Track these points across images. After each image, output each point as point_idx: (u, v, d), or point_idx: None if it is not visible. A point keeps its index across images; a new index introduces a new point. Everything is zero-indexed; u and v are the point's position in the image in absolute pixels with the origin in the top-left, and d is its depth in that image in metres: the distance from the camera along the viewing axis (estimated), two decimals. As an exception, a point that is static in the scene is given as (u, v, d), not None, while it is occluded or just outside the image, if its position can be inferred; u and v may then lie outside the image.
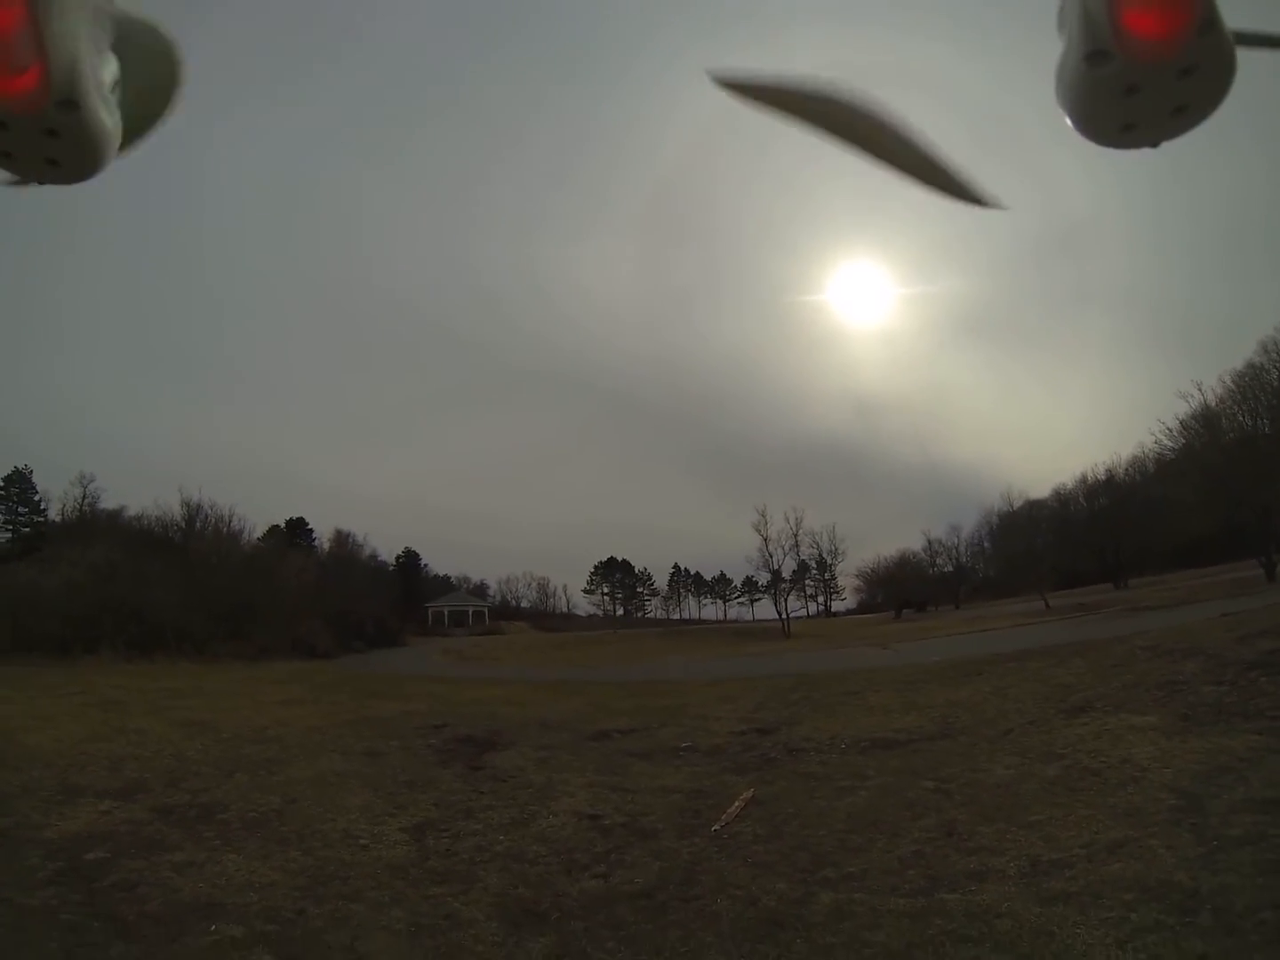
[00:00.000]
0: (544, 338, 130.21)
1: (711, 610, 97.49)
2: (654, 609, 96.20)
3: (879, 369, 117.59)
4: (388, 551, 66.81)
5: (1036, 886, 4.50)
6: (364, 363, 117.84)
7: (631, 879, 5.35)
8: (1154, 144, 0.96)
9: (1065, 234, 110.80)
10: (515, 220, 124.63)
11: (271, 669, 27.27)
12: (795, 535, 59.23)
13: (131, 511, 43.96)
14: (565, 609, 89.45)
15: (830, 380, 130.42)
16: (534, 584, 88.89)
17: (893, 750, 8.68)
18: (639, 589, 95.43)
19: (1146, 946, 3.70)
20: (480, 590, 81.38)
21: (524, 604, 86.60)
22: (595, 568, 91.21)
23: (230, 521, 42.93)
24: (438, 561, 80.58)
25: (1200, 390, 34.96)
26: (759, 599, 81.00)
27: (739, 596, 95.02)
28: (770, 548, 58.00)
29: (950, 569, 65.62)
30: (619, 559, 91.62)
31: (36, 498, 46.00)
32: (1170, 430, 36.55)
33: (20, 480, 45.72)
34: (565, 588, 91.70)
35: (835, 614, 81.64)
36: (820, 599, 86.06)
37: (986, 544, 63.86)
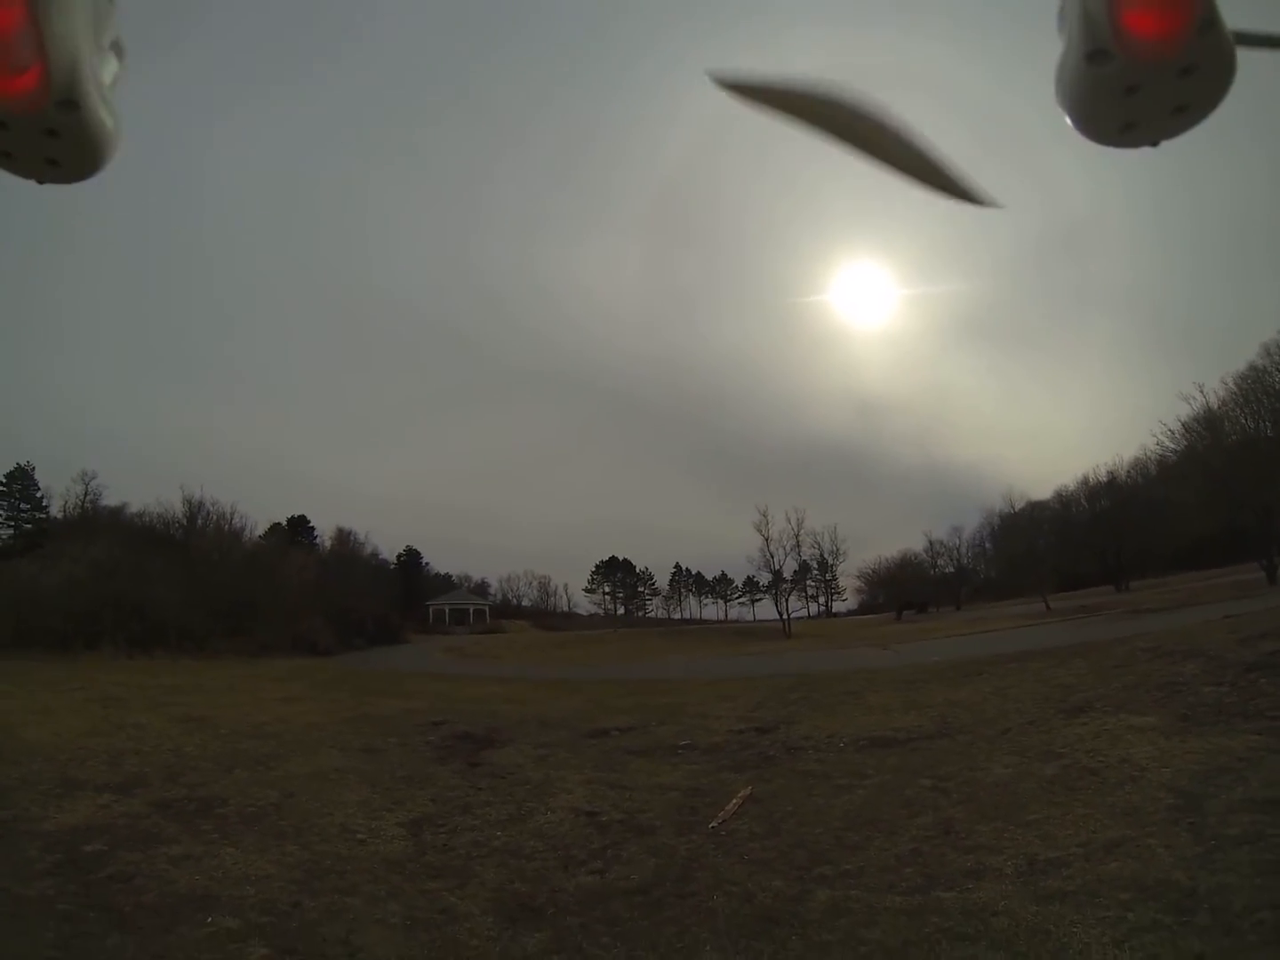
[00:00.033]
0: (546, 337, 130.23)
1: (712, 610, 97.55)
2: (655, 609, 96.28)
3: (881, 370, 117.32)
4: (389, 550, 67.01)
5: (1033, 885, 4.49)
6: (366, 361, 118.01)
7: (628, 875, 5.35)
8: (1154, 143, 0.96)
9: (1067, 235, 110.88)
10: (517, 220, 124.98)
11: (272, 666, 27.33)
12: (796, 535, 59.27)
13: (133, 509, 44.16)
14: (566, 608, 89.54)
15: (832, 381, 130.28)
16: (535, 583, 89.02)
17: (891, 749, 8.66)
18: (640, 588, 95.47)
19: (1143, 945, 3.68)
20: (481, 589, 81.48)
21: (525, 603, 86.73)
22: (596, 567, 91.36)
23: (232, 519, 43.18)
24: (439, 560, 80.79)
25: (1202, 392, 34.97)
26: (760, 599, 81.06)
27: (740, 597, 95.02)
28: (771, 548, 58.05)
29: (951, 570, 65.58)
30: (620, 558, 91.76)
31: (39, 494, 46.16)
32: (1172, 432, 36.58)
33: (22, 477, 45.84)
34: (566, 587, 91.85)
35: (836, 615, 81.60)
36: (821, 599, 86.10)
37: (988, 545, 63.91)
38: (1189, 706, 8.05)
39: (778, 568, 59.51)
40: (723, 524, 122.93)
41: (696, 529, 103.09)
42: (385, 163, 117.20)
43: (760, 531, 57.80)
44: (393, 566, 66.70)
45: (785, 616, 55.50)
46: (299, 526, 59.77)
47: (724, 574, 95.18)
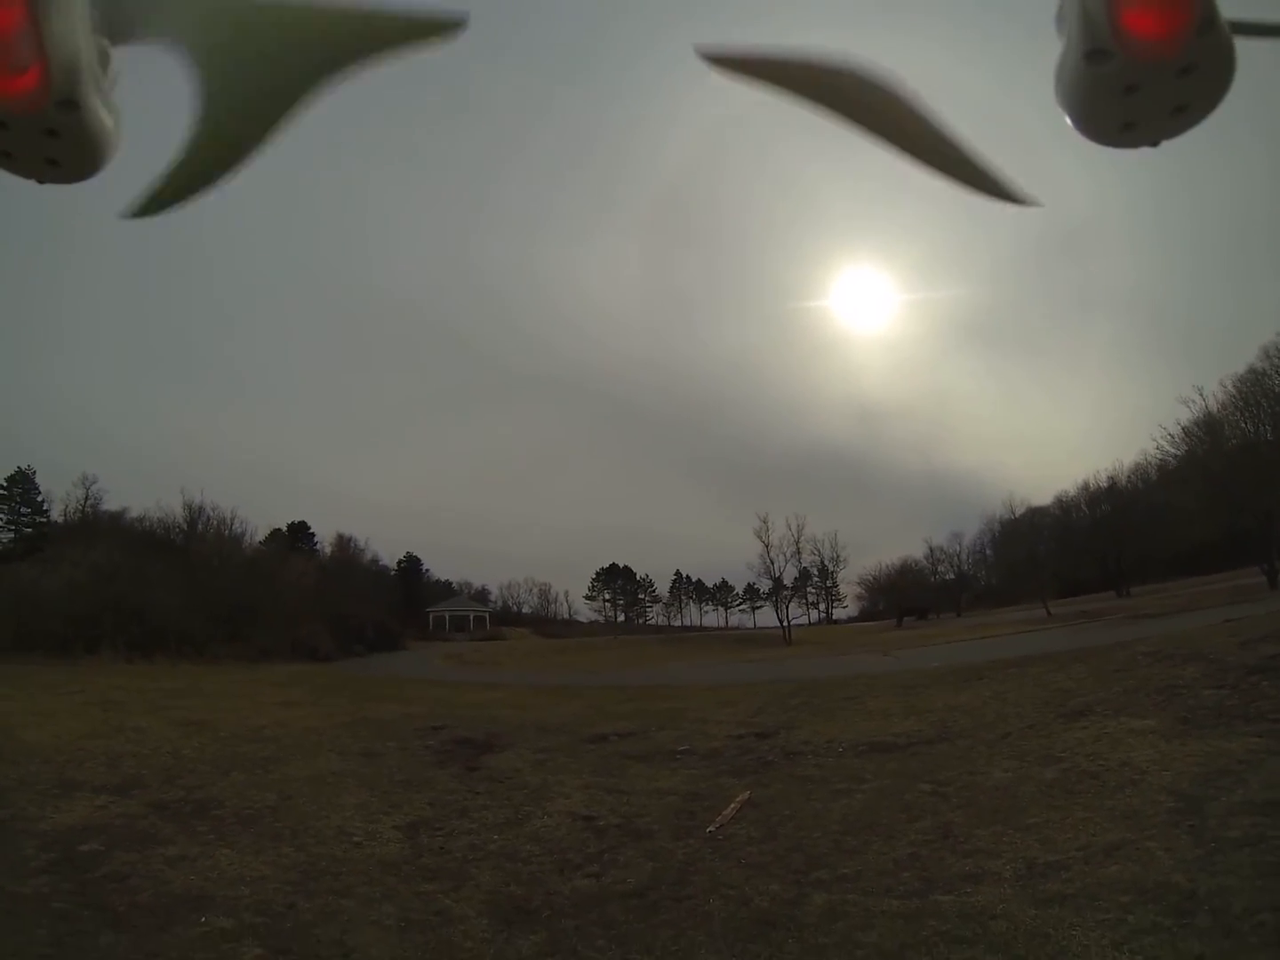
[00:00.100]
0: (546, 342, 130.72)
1: (713, 617, 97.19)
2: (655, 616, 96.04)
3: (881, 375, 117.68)
4: (389, 556, 67.00)
5: (1032, 888, 4.47)
6: (366, 366, 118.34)
7: (624, 879, 5.32)
8: (1154, 143, 0.96)
9: (1067, 238, 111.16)
10: (517, 222, 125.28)
11: (271, 671, 27.28)
12: (797, 542, 59.10)
13: (134, 513, 44.17)
14: (567, 615, 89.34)
15: (833, 387, 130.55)
16: (535, 590, 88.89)
17: (890, 754, 8.63)
18: (640, 595, 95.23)
19: (1143, 948, 3.66)
20: (482, 595, 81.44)
21: (525, 610, 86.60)
22: (597, 574, 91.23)
23: (232, 524, 43.15)
24: (439, 566, 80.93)
25: (1201, 396, 34.96)
26: (760, 606, 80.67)
27: (740, 604, 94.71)
28: (772, 554, 57.90)
29: (952, 576, 65.39)
30: (621, 565, 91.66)
31: (39, 498, 46.18)
32: (1172, 436, 36.54)
33: (23, 481, 45.89)
34: (567, 594, 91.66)
35: (836, 622, 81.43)
36: (822, 606, 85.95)
37: (988, 551, 63.80)
38: (1189, 710, 8.02)
39: (778, 575, 59.42)
40: (723, 531, 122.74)
41: (697, 536, 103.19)
42: (385, 163, 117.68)
43: (761, 538, 57.72)
44: (393, 573, 66.71)
45: (786, 623, 55.36)
46: (299, 532, 59.79)
47: (724, 581, 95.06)
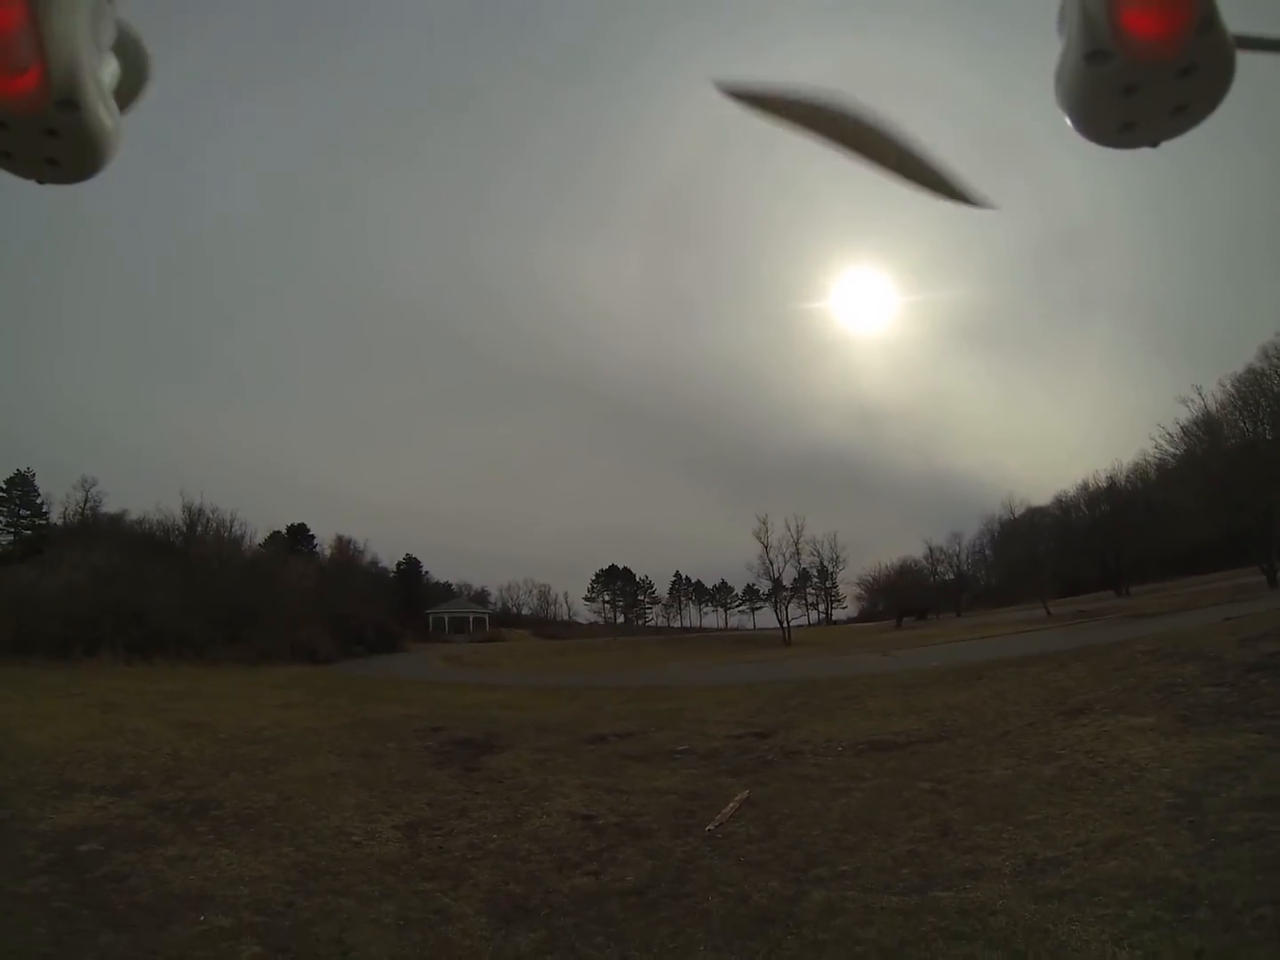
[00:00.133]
0: (546, 342, 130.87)
1: (713, 618, 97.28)
2: (655, 617, 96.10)
3: (881, 376, 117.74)
4: (389, 558, 66.98)
5: (1032, 884, 4.47)
6: (366, 367, 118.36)
7: (623, 877, 5.32)
8: (1154, 143, 0.97)
9: (1066, 239, 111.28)
10: (517, 223, 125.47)
11: (271, 673, 27.27)
12: (796, 543, 59.20)
13: (133, 515, 44.21)
14: (566, 616, 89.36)
15: (832, 387, 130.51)
16: (535, 591, 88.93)
17: (890, 752, 8.63)
18: (640, 597, 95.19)
19: (1143, 943, 3.66)
20: (481, 597, 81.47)
21: (525, 611, 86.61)
22: (596, 575, 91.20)
23: (231, 526, 43.19)
24: (439, 568, 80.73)
25: (1200, 395, 35.00)
26: (760, 607, 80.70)
27: (740, 605, 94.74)
28: (771, 555, 57.99)
29: (951, 577, 65.46)
30: (620, 567, 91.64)
31: (38, 500, 46.19)
32: (1171, 436, 36.61)
33: (22, 483, 45.89)
34: (566, 595, 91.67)
35: (836, 622, 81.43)
36: (821, 607, 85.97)
37: (988, 552, 63.87)
38: (1188, 707, 8.03)
39: (777, 575, 59.51)
40: (723, 532, 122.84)
41: (696, 537, 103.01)
42: (387, 164, 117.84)
43: (760, 539, 57.81)
44: (392, 574, 66.68)
45: (785, 624, 55.37)
46: (298, 534, 59.79)
47: (724, 582, 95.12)
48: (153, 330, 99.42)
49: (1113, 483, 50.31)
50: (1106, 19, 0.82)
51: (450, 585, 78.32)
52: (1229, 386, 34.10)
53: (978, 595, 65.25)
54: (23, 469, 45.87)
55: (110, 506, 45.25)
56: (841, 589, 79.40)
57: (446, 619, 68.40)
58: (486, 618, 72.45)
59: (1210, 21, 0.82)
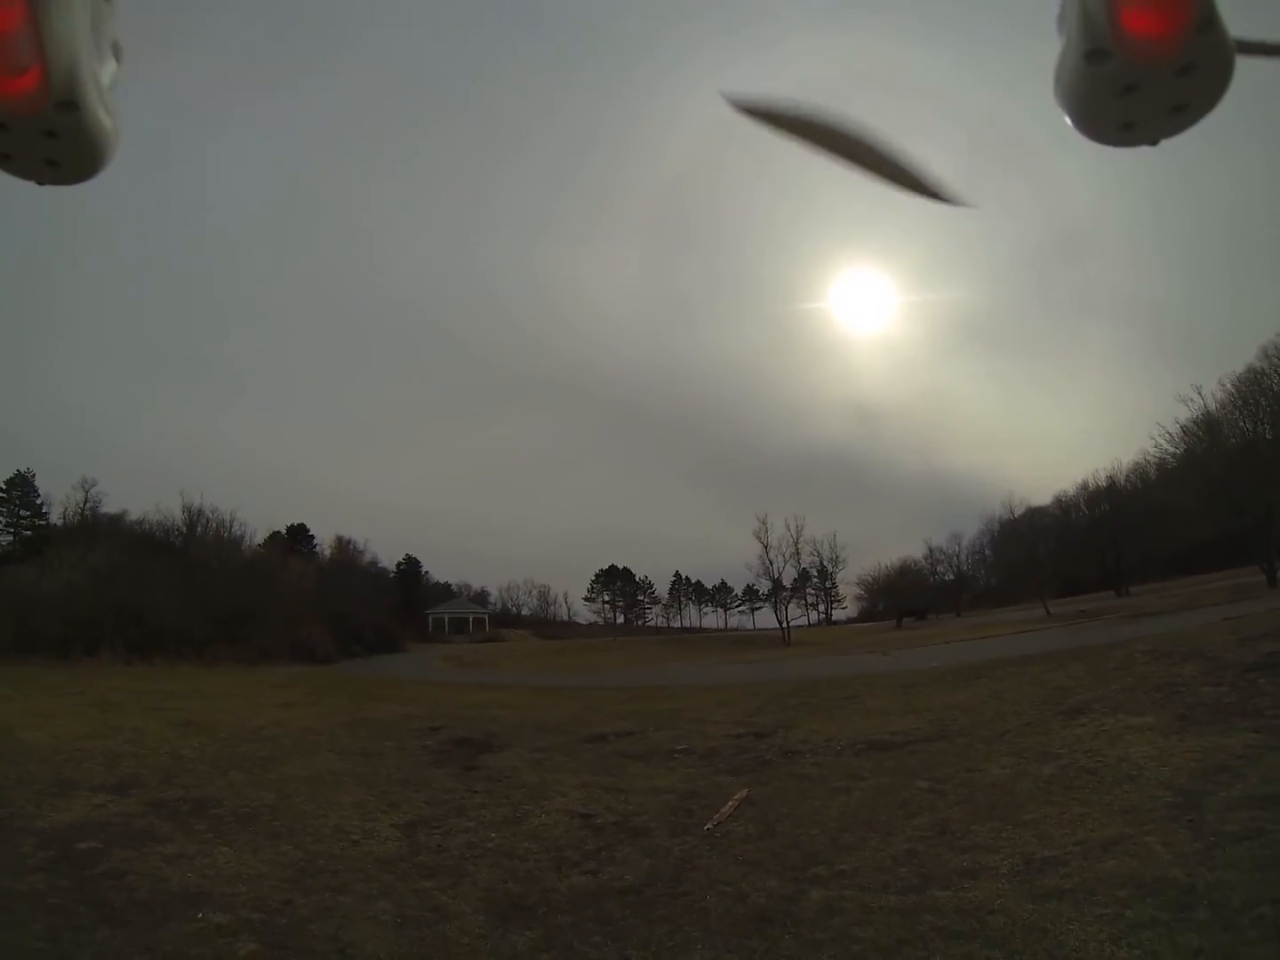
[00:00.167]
0: (546, 343, 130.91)
1: (712, 619, 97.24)
2: (655, 617, 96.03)
3: (881, 376, 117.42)
4: (388, 558, 67.00)
5: (1030, 883, 4.47)
6: (366, 368, 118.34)
7: (621, 875, 5.32)
8: (1153, 142, 0.97)
9: (1066, 239, 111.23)
10: (517, 224, 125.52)
11: (271, 673, 27.28)
12: (796, 543, 59.28)
13: (133, 515, 44.18)
14: (566, 617, 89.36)
15: (832, 388, 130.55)
16: (535, 591, 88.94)
17: (888, 752, 8.63)
18: (640, 597, 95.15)
19: (1141, 942, 3.65)
20: (481, 597, 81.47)
21: (524, 611, 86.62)
22: (596, 575, 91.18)
23: (231, 526, 43.15)
24: (438, 568, 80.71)
25: (1200, 395, 35.02)
26: (760, 607, 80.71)
27: (740, 605, 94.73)
28: (771, 555, 58.04)
29: (951, 577, 65.45)
30: (620, 567, 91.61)
31: (38, 501, 46.20)
32: (1171, 435, 36.62)
33: (22, 483, 45.90)
34: (566, 595, 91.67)
35: (836, 623, 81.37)
36: (821, 607, 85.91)
37: (988, 552, 63.90)
38: (1187, 707, 8.02)
39: (777, 576, 59.55)
40: (722, 532, 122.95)
41: (696, 537, 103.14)
42: (388, 166, 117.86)
43: (760, 539, 57.87)
44: (392, 575, 66.71)
45: (785, 624, 55.39)
46: (298, 534, 59.76)
47: (724, 582, 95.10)
48: (153, 330, 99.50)
49: (1112, 482, 50.37)
50: (1106, 18, 0.82)
51: (450, 585, 78.43)
52: (1229, 386, 34.19)
53: (977, 595, 65.23)
54: (23, 469, 45.95)
55: (110, 507, 45.27)
56: (841, 589, 79.51)
57: (446, 619, 68.42)
58: (486, 618, 72.47)
59: (1210, 21, 0.83)
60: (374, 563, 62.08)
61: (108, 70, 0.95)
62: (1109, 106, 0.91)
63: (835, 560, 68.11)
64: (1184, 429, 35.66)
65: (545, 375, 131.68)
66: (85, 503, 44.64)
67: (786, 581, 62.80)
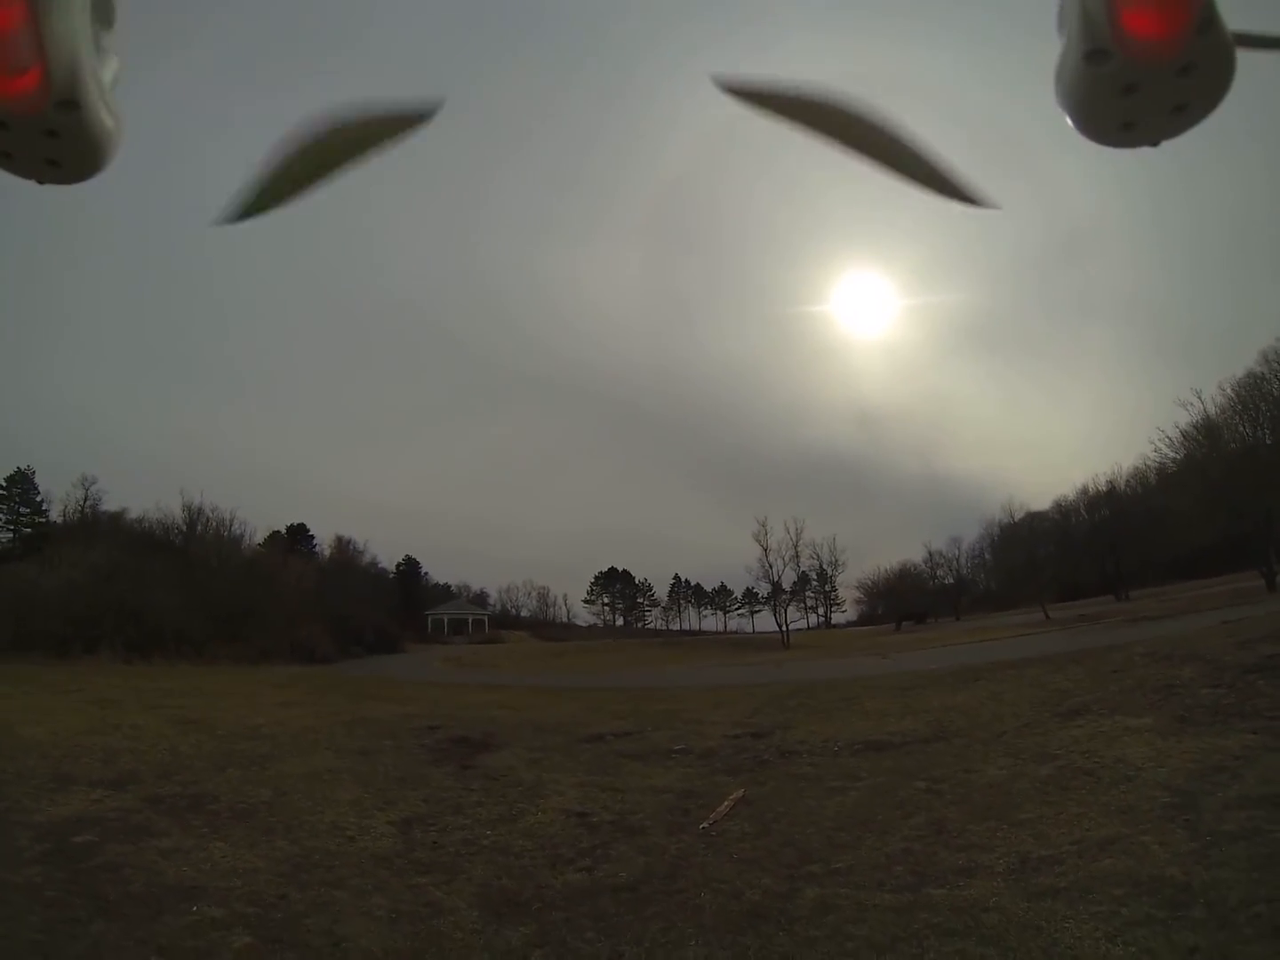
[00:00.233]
0: (546, 344, 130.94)
1: (711, 621, 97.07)
2: (654, 619, 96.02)
3: (881, 379, 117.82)
4: (388, 559, 67.00)
5: (1025, 882, 4.47)
6: (367, 368, 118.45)
7: (616, 873, 5.32)
8: (1154, 143, 0.96)
9: (1067, 241, 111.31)
10: (518, 225, 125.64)
11: (270, 672, 27.28)
12: (795, 546, 59.30)
13: (133, 514, 44.17)
14: (565, 618, 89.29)
15: (832, 391, 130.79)
16: (534, 593, 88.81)
17: (886, 752, 8.62)
18: (639, 599, 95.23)
19: (1137, 940, 3.65)
20: (480, 599, 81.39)
21: (524, 613, 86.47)
22: (596, 578, 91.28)
23: (231, 526, 43.15)
24: (438, 569, 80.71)
25: (1200, 399, 35.01)
26: (759, 610, 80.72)
27: (739, 608, 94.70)
28: (770, 558, 58.06)
29: (950, 581, 65.43)
30: (619, 569, 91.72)
31: (38, 498, 46.24)
32: (1170, 440, 36.59)
33: (22, 481, 45.95)
34: (565, 597, 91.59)
35: (835, 626, 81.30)
36: (820, 611, 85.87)
37: (987, 556, 63.91)
38: (1186, 708, 8.02)
39: (777, 579, 59.52)
40: (722, 535, 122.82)
41: (696, 540, 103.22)
42: (388, 166, 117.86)
43: (759, 542, 57.87)
44: (391, 575, 66.69)
45: (784, 627, 55.34)
46: (298, 534, 59.81)
47: (723, 585, 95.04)
48: (153, 330, 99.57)
49: (1112, 487, 50.39)
50: (1106, 18, 0.82)
51: (449, 586, 78.38)
52: (1229, 391, 34.19)
53: (977, 599, 65.15)
54: (23, 467, 46.01)
55: (110, 505, 45.24)
56: (841, 592, 79.49)
57: (446, 620, 68.38)
58: (486, 619, 72.41)
59: (1210, 21, 0.82)
60: (374, 563, 62.20)
61: (109, 69, 0.95)
62: (1109, 107, 0.91)
63: (835, 563, 68.25)
64: (1184, 434, 35.69)
65: (545, 375, 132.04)
66: (85, 501, 44.70)
67: (786, 584, 62.88)
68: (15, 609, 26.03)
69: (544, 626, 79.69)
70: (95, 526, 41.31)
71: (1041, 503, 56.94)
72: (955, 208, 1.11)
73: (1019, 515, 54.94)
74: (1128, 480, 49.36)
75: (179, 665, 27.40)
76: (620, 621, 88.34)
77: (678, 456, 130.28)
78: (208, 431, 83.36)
